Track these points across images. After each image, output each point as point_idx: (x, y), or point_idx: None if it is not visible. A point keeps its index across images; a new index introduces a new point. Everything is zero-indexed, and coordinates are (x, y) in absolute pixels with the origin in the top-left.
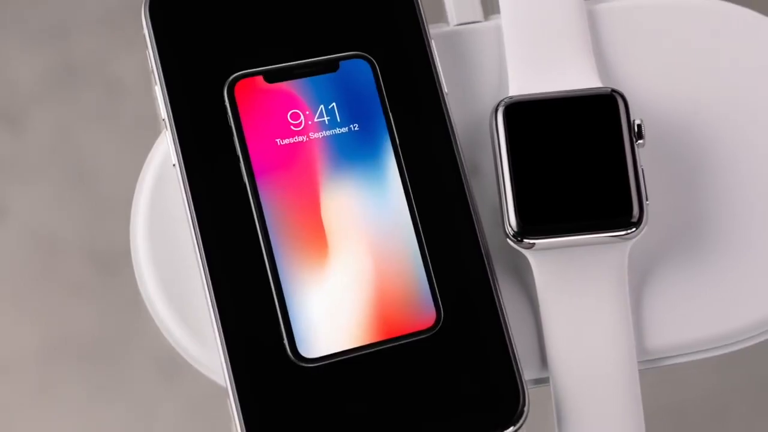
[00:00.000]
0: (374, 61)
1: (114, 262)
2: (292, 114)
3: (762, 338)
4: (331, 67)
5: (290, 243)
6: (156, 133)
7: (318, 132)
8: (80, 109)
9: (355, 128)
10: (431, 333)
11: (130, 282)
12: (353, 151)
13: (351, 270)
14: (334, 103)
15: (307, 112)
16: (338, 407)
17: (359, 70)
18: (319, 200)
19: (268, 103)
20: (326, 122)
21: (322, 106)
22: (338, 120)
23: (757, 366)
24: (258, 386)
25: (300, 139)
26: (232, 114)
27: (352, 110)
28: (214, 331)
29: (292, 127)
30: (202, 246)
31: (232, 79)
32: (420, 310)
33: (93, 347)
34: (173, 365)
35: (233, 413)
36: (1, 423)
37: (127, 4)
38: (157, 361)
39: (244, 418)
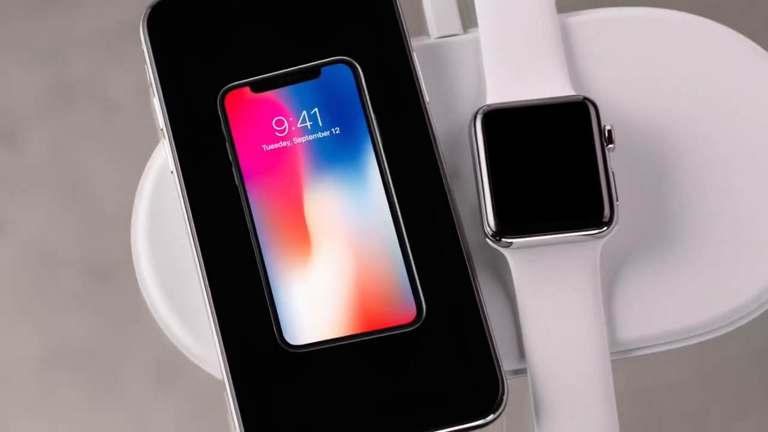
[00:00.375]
0: (357, 65)
1: (110, 274)
2: (276, 121)
3: (725, 330)
4: (313, 74)
5: (277, 242)
6: (148, 147)
7: (301, 137)
8: (76, 126)
9: (337, 132)
10: (412, 328)
11: (126, 292)
12: (335, 154)
13: (332, 266)
14: (316, 109)
15: (291, 119)
16: (324, 393)
17: (341, 75)
18: (302, 201)
19: (255, 112)
20: (308, 127)
21: (304, 111)
22: (320, 124)
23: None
24: (250, 373)
25: (284, 144)
26: (224, 123)
27: (333, 114)
28: (210, 324)
29: (276, 133)
30: (198, 246)
31: (223, 92)
32: (400, 305)
33: (91, 356)
34: (169, 373)
35: (228, 399)
36: (1, 429)
37: (120, 25)
38: (154, 368)
39: (239, 403)
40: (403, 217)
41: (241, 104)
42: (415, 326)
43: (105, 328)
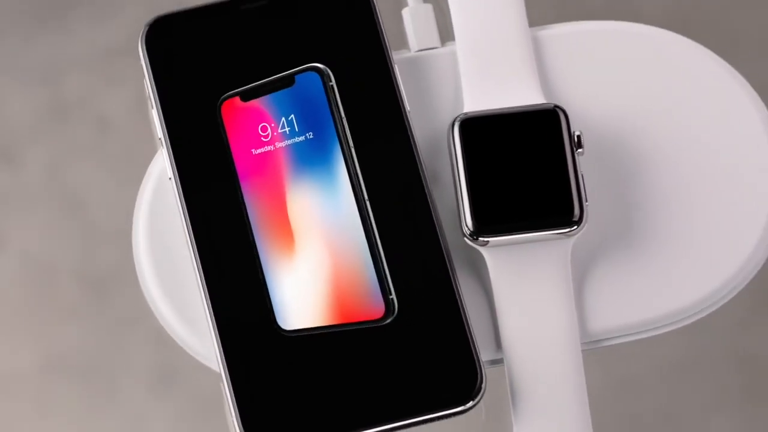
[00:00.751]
0: (328, 71)
1: (107, 284)
2: (261, 127)
3: (688, 321)
4: (289, 82)
5: (268, 238)
6: (141, 162)
7: (282, 141)
8: (71, 143)
9: (310, 136)
10: (382, 323)
11: (122, 302)
12: (309, 157)
13: (312, 262)
14: (292, 115)
15: (273, 125)
16: (310, 382)
17: (312, 83)
18: (285, 201)
19: (245, 119)
20: (287, 132)
21: (283, 118)
22: (296, 130)
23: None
24: (244, 359)
25: (269, 148)
26: (222, 130)
27: (307, 120)
28: (205, 315)
29: (262, 138)
30: (195, 244)
31: (219, 101)
32: (369, 302)
33: (88, 363)
34: (165, 379)
35: (225, 387)
36: None
37: (113, 47)
38: (150, 375)
39: (234, 392)
40: (375, 219)
41: (234, 112)
42: (385, 322)
43: (102, 337)
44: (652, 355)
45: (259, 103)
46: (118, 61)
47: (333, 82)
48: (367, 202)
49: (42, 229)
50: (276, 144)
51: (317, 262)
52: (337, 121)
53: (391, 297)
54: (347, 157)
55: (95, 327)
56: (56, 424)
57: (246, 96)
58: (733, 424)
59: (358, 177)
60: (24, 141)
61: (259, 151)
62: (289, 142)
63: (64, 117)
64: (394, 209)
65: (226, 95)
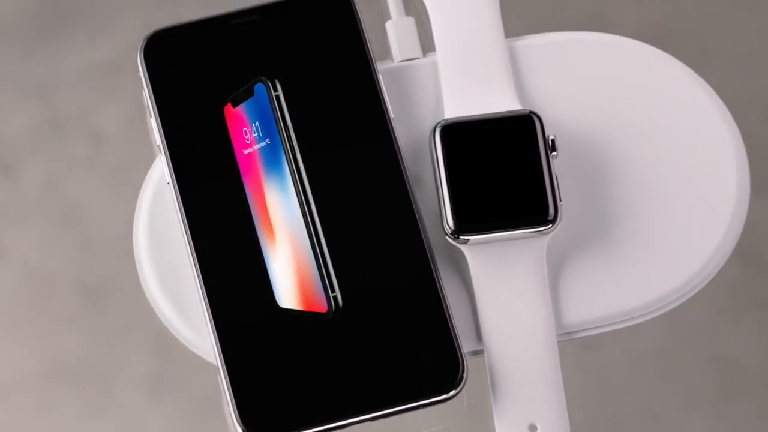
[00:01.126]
0: (274, 82)
1: (103, 293)
2: (244, 130)
3: (658, 313)
4: (250, 92)
5: (261, 232)
6: (135, 174)
7: (256, 145)
8: (67, 157)
9: (268, 142)
10: (328, 317)
11: (118, 310)
12: (269, 162)
13: (284, 256)
14: (256, 122)
15: (249, 129)
16: (300, 370)
17: (262, 93)
18: (264, 198)
19: (236, 123)
20: (257, 137)
21: (252, 124)
22: (261, 135)
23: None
24: (238, 351)
25: (250, 150)
26: (225, 131)
27: (264, 128)
28: (202, 309)
29: (245, 140)
30: (192, 242)
31: (223, 105)
32: (316, 297)
33: (85, 371)
34: (160, 384)
35: (221, 379)
36: None
37: (106, 63)
38: (144, 381)
39: (229, 377)
40: (322, 221)
41: (229, 116)
42: (328, 317)
43: (100, 343)
44: (630, 358)
45: (241, 109)
46: (111, 77)
47: (279, 92)
48: (312, 205)
49: (40, 239)
50: (253, 146)
51: (286, 255)
52: (281, 129)
53: (334, 294)
54: (290, 163)
55: (93, 334)
56: (55, 428)
57: (233, 102)
58: (709, 422)
59: (302, 182)
60: (22, 154)
61: (246, 151)
62: (257, 146)
63: (60, 131)
64: (378, 212)
65: (228, 99)
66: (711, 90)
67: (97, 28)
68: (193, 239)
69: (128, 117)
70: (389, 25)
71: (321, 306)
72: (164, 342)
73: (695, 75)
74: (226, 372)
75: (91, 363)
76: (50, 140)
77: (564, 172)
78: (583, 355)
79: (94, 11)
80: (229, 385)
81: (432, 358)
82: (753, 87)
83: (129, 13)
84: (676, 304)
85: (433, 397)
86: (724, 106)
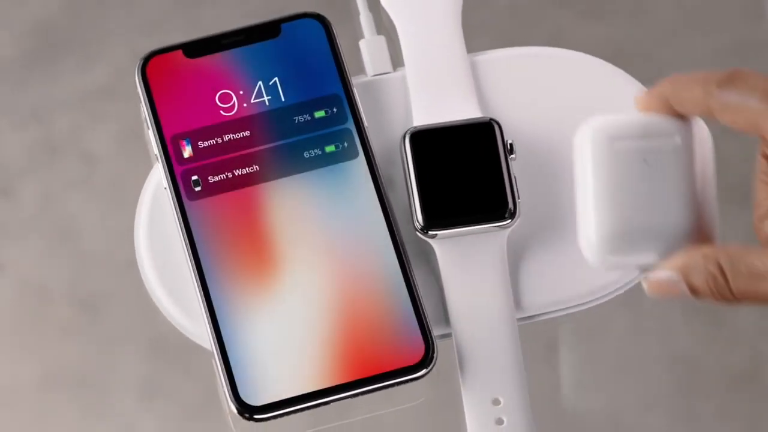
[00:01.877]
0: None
1: (97, 304)
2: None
3: (607, 298)
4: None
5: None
6: (126, 193)
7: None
8: (62, 177)
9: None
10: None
11: (111, 320)
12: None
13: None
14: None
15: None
16: (284, 352)
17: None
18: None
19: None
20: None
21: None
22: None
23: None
24: (229, 337)
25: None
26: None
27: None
28: (197, 297)
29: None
30: (187, 238)
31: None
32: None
33: (81, 378)
34: (150, 390)
35: (215, 362)
36: None
37: (96, 89)
38: (136, 386)
39: (222, 360)
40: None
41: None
42: None
43: (94, 352)
44: (594, 358)
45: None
46: (101, 102)
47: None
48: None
49: (37, 255)
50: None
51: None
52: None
53: None
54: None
55: (87, 343)
56: (53, 430)
57: None
58: (669, 419)
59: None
60: (19, 176)
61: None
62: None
63: (54, 153)
64: (347, 209)
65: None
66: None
67: (87, 56)
68: (188, 236)
69: (118, 138)
70: (362, 44)
71: None
72: (153, 350)
73: (636, 81)
74: (219, 356)
75: (86, 369)
76: (45, 161)
77: (521, 172)
78: (550, 356)
79: (84, 41)
80: (223, 367)
81: (406, 341)
82: None
83: (116, 43)
84: (623, 290)
85: (408, 376)
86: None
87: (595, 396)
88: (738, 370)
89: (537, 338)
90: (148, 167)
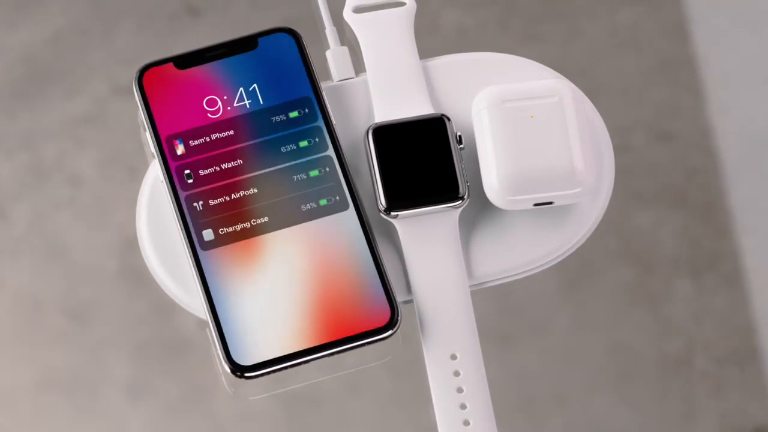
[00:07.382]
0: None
1: (87, 314)
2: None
3: (548, 265)
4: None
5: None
6: (112, 212)
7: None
8: (50, 199)
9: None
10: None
11: (100, 328)
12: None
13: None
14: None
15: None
16: (271, 318)
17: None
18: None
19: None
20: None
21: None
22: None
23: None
24: (220, 306)
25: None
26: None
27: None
28: (192, 272)
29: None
30: (182, 224)
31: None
32: None
33: (73, 382)
34: (139, 391)
35: (210, 330)
36: None
37: (81, 116)
38: (126, 388)
39: (217, 328)
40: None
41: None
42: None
43: (84, 357)
44: (540, 349)
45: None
46: (85, 128)
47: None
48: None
49: (30, 270)
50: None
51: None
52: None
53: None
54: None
55: (78, 350)
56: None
57: None
58: (611, 402)
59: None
60: (11, 199)
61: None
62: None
63: (43, 177)
64: (320, 196)
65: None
66: (573, 85)
67: (71, 87)
68: (182, 220)
69: (101, 162)
70: (328, 53)
71: None
72: (140, 354)
73: (559, 75)
74: (213, 323)
75: (77, 373)
76: (34, 184)
77: (469, 159)
78: (502, 348)
79: (67, 73)
80: (217, 333)
81: (374, 307)
82: (636, 115)
83: (98, 73)
84: (562, 258)
85: (374, 337)
86: (586, 99)
87: (542, 383)
88: (673, 355)
89: (490, 333)
90: (131, 187)
